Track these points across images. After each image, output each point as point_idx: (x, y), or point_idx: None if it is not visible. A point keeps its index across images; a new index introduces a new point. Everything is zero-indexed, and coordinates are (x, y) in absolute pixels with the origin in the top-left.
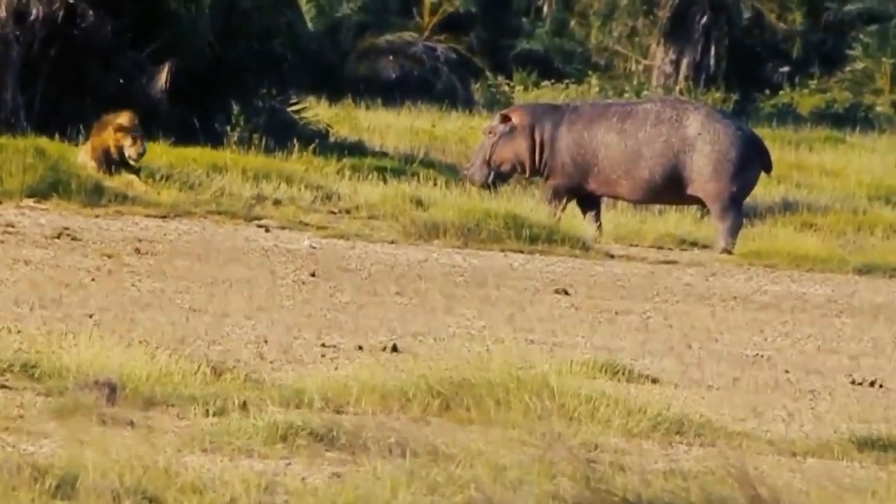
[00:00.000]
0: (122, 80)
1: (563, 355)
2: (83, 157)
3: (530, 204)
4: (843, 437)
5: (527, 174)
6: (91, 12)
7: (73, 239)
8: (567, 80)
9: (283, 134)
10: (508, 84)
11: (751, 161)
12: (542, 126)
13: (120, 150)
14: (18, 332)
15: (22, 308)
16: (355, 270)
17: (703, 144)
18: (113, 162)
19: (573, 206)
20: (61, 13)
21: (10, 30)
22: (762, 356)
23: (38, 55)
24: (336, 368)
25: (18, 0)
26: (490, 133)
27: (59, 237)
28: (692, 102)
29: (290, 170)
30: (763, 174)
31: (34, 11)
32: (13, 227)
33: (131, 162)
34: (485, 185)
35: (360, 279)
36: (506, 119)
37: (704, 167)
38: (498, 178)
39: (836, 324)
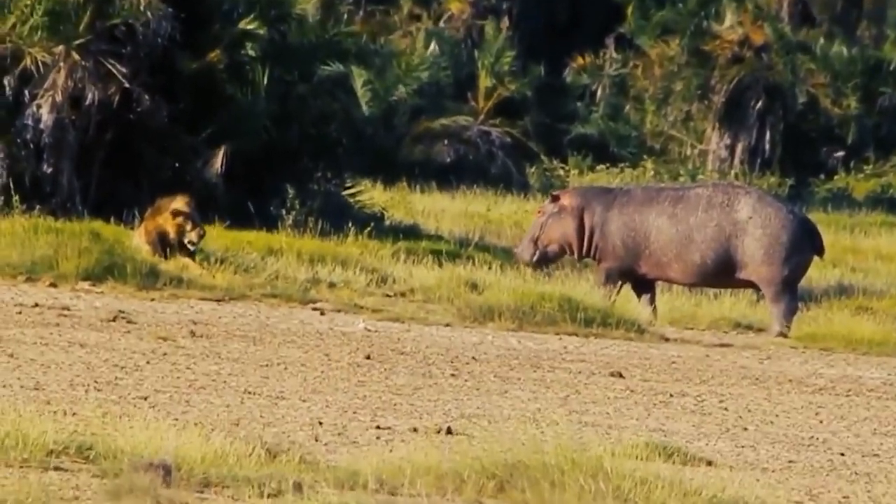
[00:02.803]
0: (177, 164)
1: (618, 437)
2: (138, 240)
3: (585, 287)
4: None
5: (574, 256)
6: (147, 97)
7: (129, 322)
8: (622, 164)
9: (338, 217)
10: (563, 168)
11: (803, 244)
12: (592, 209)
13: (179, 234)
14: (74, 414)
15: (77, 390)
16: (410, 353)
17: (755, 228)
18: (168, 245)
19: (628, 290)
20: (117, 98)
21: (66, 114)
22: (818, 438)
23: (94, 139)
24: (391, 450)
25: (74, 84)
26: (540, 213)
27: (114, 320)
28: (744, 187)
29: (345, 253)
30: (816, 258)
31: (90, 96)
32: (69, 310)
33: (191, 246)
34: (531, 264)
35: (414, 362)
36: (556, 199)
37: (756, 251)
38: (544, 257)
39: (891, 407)
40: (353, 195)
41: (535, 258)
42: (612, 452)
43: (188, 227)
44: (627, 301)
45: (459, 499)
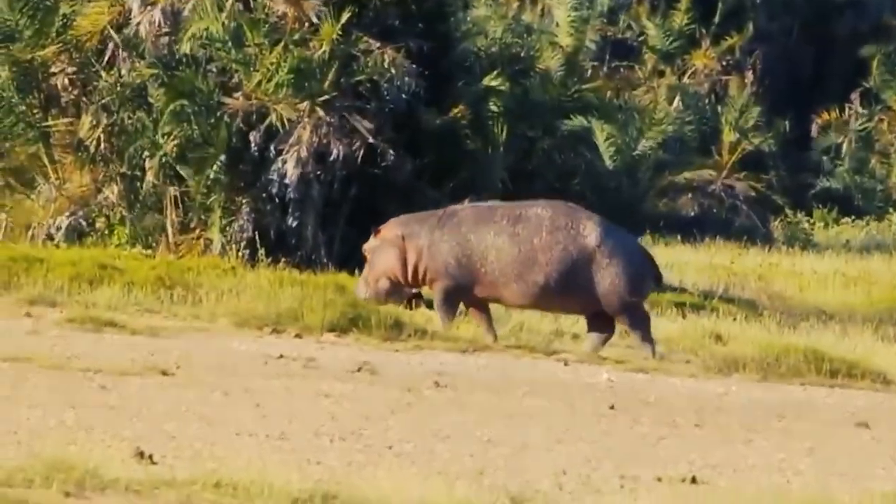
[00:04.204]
0: None
1: (864, 487)
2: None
3: (830, 339)
4: None
5: (405, 286)
6: (391, 152)
7: (373, 373)
8: (867, 218)
9: None
10: (808, 221)
11: (647, 273)
12: (414, 234)
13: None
14: (319, 463)
15: (322, 440)
16: (654, 403)
17: (603, 257)
18: (413, 297)
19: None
20: (361, 153)
21: (312, 169)
22: None
23: (339, 194)
24: (635, 499)
25: (319, 140)
26: (366, 250)
27: (358, 371)
28: (582, 209)
29: None
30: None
31: (335, 151)
32: (314, 360)
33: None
34: (368, 301)
35: (658, 412)
36: (377, 234)
37: (605, 278)
38: (377, 293)
39: None
40: None
41: (368, 295)
42: (859, 503)
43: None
44: (874, 353)
45: None
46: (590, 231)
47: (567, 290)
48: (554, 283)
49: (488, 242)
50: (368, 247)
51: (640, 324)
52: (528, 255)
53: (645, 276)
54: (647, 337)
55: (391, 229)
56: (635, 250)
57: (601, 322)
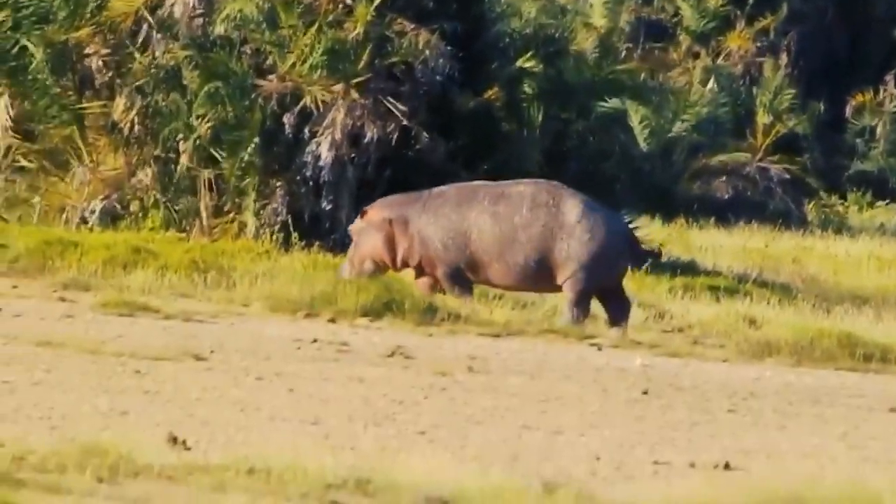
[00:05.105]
0: None
1: None
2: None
3: (864, 323)
4: None
5: (391, 268)
6: (425, 134)
7: (407, 357)
8: None
9: None
10: (842, 204)
11: (624, 251)
12: (401, 218)
13: None
14: (352, 448)
15: (356, 425)
16: (687, 388)
17: (583, 232)
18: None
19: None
20: (395, 135)
21: (346, 151)
22: None
23: (373, 176)
24: (668, 485)
25: (353, 122)
26: (352, 231)
27: (392, 355)
28: (567, 188)
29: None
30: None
31: (369, 134)
32: (347, 345)
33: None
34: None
35: (692, 397)
36: (363, 215)
37: (582, 255)
38: (361, 276)
39: None
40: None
41: (351, 276)
42: (892, 489)
43: None
44: None
45: None
46: (571, 208)
47: (546, 268)
48: (534, 262)
49: (471, 222)
50: (354, 228)
51: (581, 305)
52: (509, 234)
53: (620, 254)
54: (576, 320)
55: (377, 212)
56: (617, 228)
57: (614, 300)
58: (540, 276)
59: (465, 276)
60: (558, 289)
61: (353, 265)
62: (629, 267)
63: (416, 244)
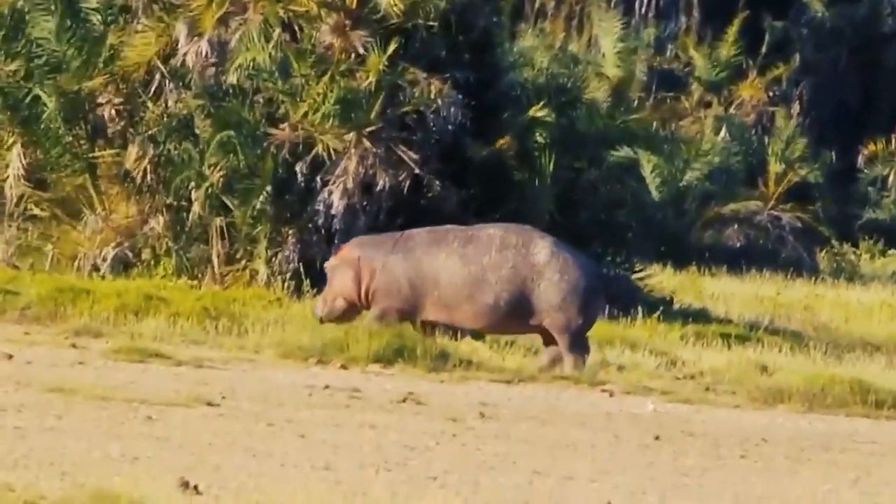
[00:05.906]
0: None
1: None
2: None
3: (875, 370)
4: None
5: (359, 307)
6: (437, 183)
7: (418, 403)
8: None
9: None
10: (854, 252)
11: (599, 293)
12: (369, 256)
13: None
14: (364, 494)
15: (367, 471)
16: (699, 435)
17: (553, 273)
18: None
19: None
20: (407, 184)
21: (357, 200)
22: None
23: (385, 224)
24: None
25: (365, 171)
26: (327, 268)
27: (403, 402)
28: (537, 230)
29: (634, 336)
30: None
31: (381, 182)
32: (359, 391)
33: None
34: (322, 320)
35: (703, 443)
36: (337, 252)
37: (554, 297)
38: (331, 312)
39: None
40: (642, 279)
41: (323, 314)
42: None
43: None
44: None
45: None
46: (540, 249)
47: (517, 309)
48: (504, 303)
49: (439, 263)
50: (329, 265)
51: (577, 349)
52: (478, 275)
53: (595, 296)
54: (578, 364)
55: (350, 250)
56: (587, 270)
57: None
58: (511, 317)
59: (392, 321)
60: (532, 330)
61: (326, 302)
62: (605, 307)
63: (376, 277)
